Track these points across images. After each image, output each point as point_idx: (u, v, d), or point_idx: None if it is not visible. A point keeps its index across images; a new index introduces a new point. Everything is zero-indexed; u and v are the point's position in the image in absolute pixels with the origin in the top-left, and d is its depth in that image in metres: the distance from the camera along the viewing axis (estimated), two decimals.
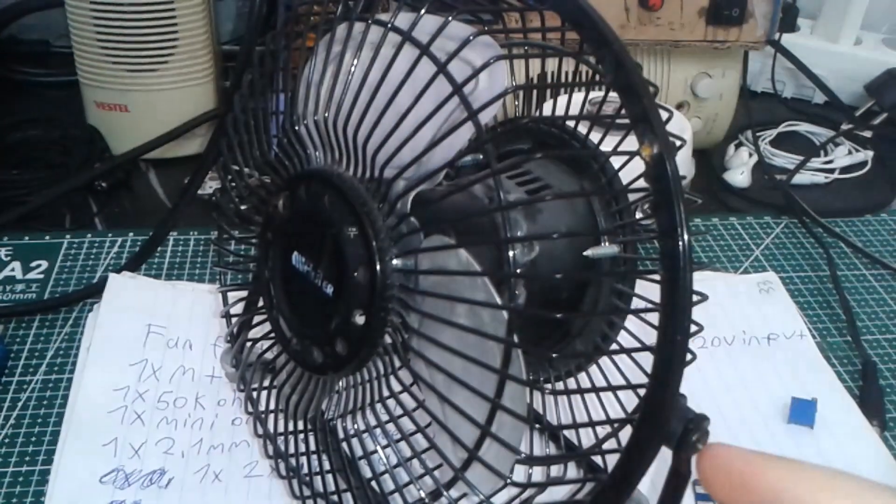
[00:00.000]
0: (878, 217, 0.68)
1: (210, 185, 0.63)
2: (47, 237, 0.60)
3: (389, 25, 0.28)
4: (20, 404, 0.46)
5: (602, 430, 0.33)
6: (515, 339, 0.26)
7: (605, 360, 0.37)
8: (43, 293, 0.55)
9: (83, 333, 0.51)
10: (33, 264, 0.57)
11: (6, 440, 0.44)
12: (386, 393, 0.32)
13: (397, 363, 0.31)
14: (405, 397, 0.32)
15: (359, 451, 0.34)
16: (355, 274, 0.30)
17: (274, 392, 0.38)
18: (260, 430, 0.39)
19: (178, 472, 0.42)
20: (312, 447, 0.36)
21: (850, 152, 0.76)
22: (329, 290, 0.31)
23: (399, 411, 0.32)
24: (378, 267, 0.29)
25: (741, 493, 0.22)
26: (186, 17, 0.64)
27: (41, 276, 0.56)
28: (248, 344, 0.40)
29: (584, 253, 0.32)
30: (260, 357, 0.39)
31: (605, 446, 0.31)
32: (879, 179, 0.74)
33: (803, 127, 0.80)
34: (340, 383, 0.34)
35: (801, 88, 0.86)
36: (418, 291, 0.29)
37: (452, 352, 0.28)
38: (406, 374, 0.31)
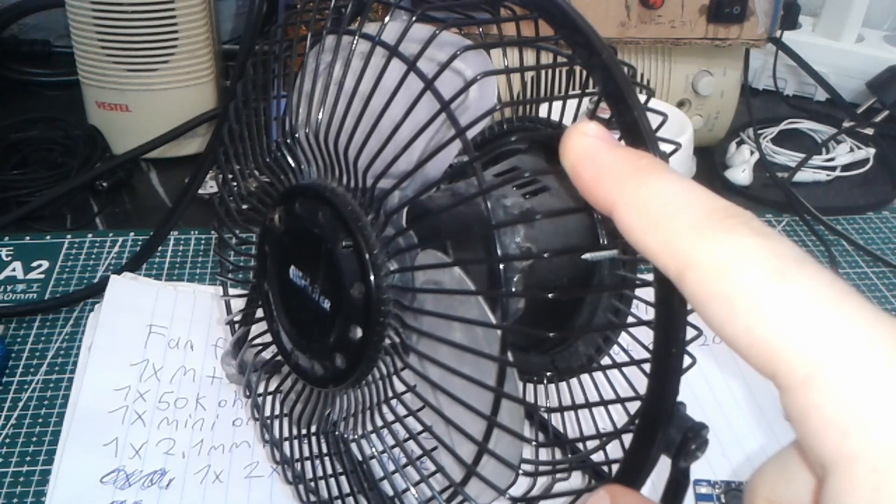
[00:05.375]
0: (880, 214, 0.68)
1: (210, 185, 0.63)
2: (48, 237, 0.60)
3: (377, 39, 0.28)
4: (21, 404, 0.46)
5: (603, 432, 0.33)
6: (510, 356, 0.26)
7: (606, 360, 0.37)
8: (44, 293, 0.55)
9: (84, 333, 0.51)
10: (34, 264, 0.57)
11: (7, 440, 0.44)
12: (385, 408, 0.32)
13: (394, 378, 0.31)
14: (404, 410, 0.32)
15: (359, 458, 0.34)
16: (351, 290, 0.30)
17: (279, 397, 0.38)
18: (266, 437, 0.39)
19: (178, 473, 0.42)
20: (317, 452, 0.36)
21: (851, 150, 0.76)
22: (326, 304, 0.31)
23: (398, 424, 0.32)
24: (373, 282, 0.29)
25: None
26: (187, 17, 0.64)
27: (42, 275, 0.56)
28: (253, 350, 0.40)
29: (583, 256, 0.32)
30: (265, 364, 0.39)
31: (608, 448, 0.31)
32: (881, 177, 0.74)
33: (805, 124, 0.80)
34: (342, 396, 0.34)
35: (803, 86, 0.85)
36: (411, 309, 0.29)
37: (447, 368, 0.28)
38: (404, 386, 0.31)
